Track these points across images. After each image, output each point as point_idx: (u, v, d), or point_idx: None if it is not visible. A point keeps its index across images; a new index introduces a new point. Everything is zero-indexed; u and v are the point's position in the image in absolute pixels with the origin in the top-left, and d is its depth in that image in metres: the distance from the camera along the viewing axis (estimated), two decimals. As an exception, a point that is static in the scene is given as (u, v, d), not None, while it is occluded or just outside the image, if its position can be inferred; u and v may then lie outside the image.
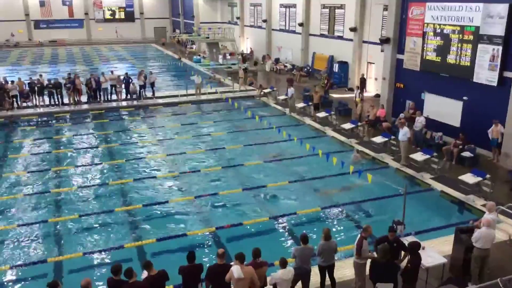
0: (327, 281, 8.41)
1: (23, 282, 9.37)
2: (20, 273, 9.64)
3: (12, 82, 22.86)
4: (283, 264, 7.41)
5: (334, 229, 11.11)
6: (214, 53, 38.79)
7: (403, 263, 8.05)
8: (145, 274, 7.18)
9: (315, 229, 10.90)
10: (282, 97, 24.21)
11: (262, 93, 25.95)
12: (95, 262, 10.03)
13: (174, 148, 17.56)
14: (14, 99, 22.54)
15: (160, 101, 24.92)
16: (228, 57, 38.14)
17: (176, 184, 14.17)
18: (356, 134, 18.49)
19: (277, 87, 26.85)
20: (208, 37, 40.27)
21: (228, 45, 42.66)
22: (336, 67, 29.06)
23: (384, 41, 20.29)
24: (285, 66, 34.47)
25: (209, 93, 26.13)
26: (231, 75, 30.34)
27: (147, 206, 12.52)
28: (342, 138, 18.21)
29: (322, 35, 31.49)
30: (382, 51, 21.59)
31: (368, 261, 8.10)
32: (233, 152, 17.17)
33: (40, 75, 24.36)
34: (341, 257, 9.67)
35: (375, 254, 8.15)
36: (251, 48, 42.95)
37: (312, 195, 13.51)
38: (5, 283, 9.30)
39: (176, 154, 16.72)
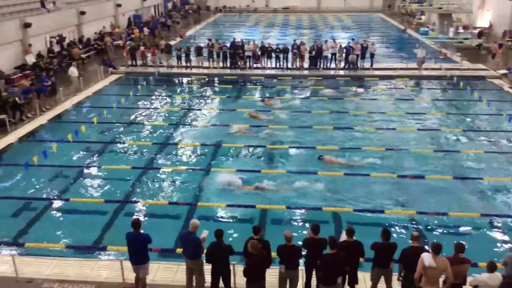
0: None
1: (231, 221, 10.75)
2: (229, 213, 11.05)
3: (248, 44, 25.66)
4: (491, 268, 6.66)
5: None
6: (445, 26, 35.35)
7: None
8: (343, 237, 7.40)
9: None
10: (521, 80, 20.76)
11: None
12: (294, 217, 10.81)
13: (384, 123, 17.08)
14: (248, 59, 25.32)
15: (377, 73, 24.34)
16: (461, 30, 34.26)
17: (381, 159, 13.79)
18: None
19: (517, 68, 23.07)
20: (441, 7, 36.80)
21: (463, 17, 38.21)
22: None
23: None
24: (532, 45, 29.19)
25: (432, 69, 24.22)
26: (461, 51, 27.29)
27: (348, 175, 12.65)
28: None
29: None
30: None
31: None
32: (449, 135, 15.74)
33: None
34: None
35: None
36: (490, 22, 37.57)
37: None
38: (218, 220, 10.81)
39: (385, 129, 16.27)
